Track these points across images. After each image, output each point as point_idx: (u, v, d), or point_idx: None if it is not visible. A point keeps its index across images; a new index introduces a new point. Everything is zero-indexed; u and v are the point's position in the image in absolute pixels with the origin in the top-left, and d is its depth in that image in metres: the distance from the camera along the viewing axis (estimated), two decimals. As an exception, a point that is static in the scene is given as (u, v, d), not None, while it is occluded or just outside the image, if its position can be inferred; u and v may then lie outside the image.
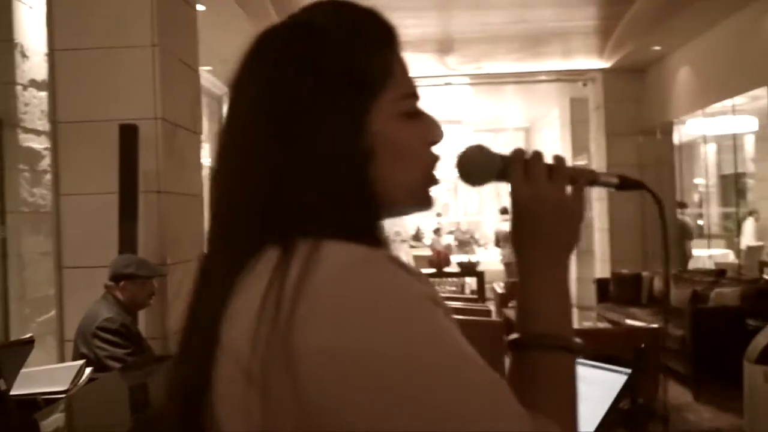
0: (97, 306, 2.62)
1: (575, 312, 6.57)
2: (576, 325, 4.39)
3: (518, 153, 0.67)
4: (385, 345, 0.48)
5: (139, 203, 3.08)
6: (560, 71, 8.71)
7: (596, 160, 8.53)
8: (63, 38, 3.27)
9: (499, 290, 7.19)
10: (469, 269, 7.97)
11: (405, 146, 0.62)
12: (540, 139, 13.09)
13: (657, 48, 7.42)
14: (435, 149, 0.66)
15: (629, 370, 1.08)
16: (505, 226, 9.41)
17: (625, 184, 0.71)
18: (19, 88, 3.68)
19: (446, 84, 8.88)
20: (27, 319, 3.66)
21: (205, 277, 0.59)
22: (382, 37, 0.62)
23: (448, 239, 13.62)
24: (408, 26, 6.57)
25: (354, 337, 0.48)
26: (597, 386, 1.07)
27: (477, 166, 0.69)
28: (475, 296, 7.53)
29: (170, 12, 3.44)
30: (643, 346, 2.43)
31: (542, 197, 0.65)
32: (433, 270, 7.53)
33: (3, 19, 3.64)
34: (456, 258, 9.07)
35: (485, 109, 12.46)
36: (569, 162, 0.70)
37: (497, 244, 11.10)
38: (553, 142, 11.19)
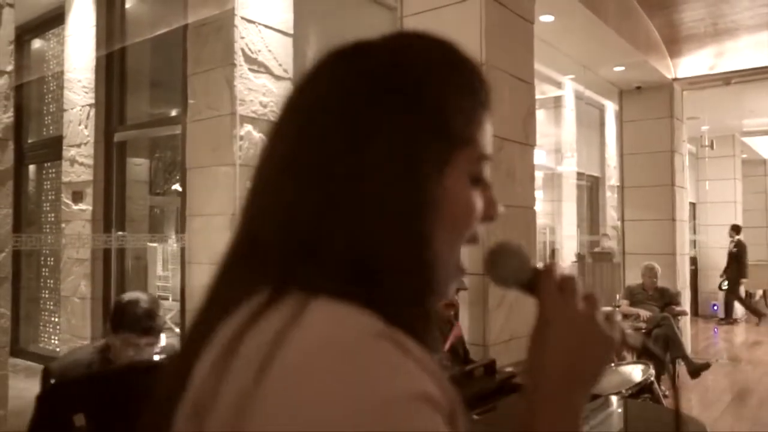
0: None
1: None
2: None
3: (551, 267, 0.61)
4: None
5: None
6: None
7: None
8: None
9: None
10: None
11: (463, 214, 0.56)
12: None
13: None
14: (479, 228, 0.58)
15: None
16: None
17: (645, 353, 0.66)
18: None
19: None
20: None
21: (210, 299, 0.57)
22: (481, 95, 0.59)
23: None
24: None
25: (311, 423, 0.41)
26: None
27: (508, 268, 0.62)
28: None
29: (502, 30, 3.55)
30: None
31: (576, 318, 0.59)
32: None
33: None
34: None
35: None
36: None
37: None
38: None
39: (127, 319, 1.99)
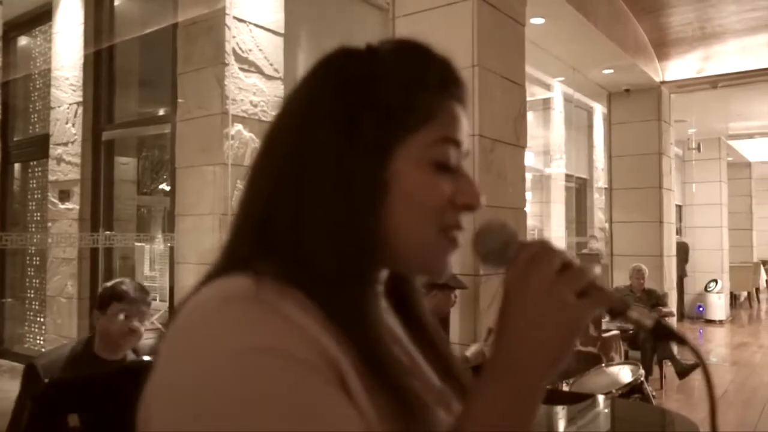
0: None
1: None
2: None
3: (540, 242, 0.54)
4: (194, 394, 0.45)
5: (456, 216, 3.27)
6: None
7: None
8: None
9: None
10: None
11: (421, 196, 0.55)
12: None
13: None
14: (461, 215, 0.57)
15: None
16: None
17: (659, 331, 0.55)
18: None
19: None
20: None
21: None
22: (435, 81, 0.57)
23: None
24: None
25: (172, 379, 0.47)
26: None
27: (493, 244, 0.57)
28: None
29: (493, 32, 3.56)
30: None
31: (533, 288, 0.51)
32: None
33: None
34: None
35: None
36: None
37: None
38: None
39: (113, 293, 2.02)
